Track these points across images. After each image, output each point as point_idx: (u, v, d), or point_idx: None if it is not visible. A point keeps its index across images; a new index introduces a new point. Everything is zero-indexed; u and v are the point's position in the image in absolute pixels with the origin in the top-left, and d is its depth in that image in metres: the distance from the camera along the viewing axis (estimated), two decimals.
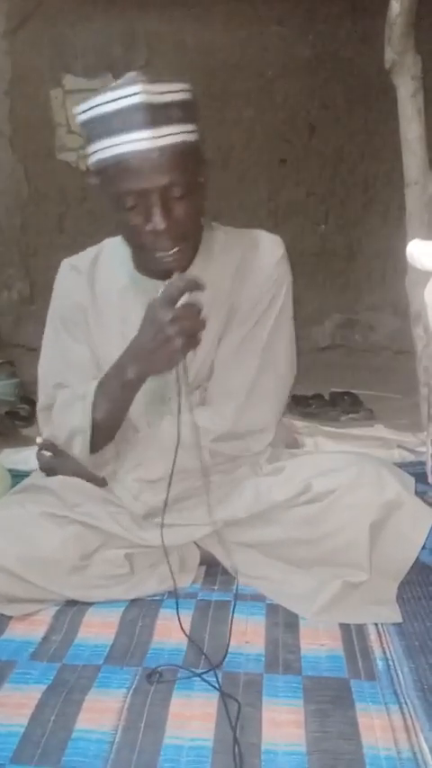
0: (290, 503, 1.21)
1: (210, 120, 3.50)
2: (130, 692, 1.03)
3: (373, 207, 3.54)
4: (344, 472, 1.20)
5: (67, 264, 1.36)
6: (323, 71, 3.43)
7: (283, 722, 0.97)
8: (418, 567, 1.25)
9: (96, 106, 1.07)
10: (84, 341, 1.32)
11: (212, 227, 1.31)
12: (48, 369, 1.36)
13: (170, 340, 1.05)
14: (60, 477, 1.31)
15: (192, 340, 1.06)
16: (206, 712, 0.98)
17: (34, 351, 1.42)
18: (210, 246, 1.28)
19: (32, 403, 1.63)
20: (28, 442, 2.07)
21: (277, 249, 1.29)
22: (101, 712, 0.98)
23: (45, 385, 1.36)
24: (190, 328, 1.05)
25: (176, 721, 0.97)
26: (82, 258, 1.35)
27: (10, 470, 1.70)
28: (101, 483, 1.28)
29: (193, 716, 0.98)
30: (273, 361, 1.29)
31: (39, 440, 1.38)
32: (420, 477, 1.42)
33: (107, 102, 1.06)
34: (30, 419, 2.29)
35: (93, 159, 1.12)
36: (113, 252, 1.26)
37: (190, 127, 1.10)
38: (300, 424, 2.24)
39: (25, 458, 1.81)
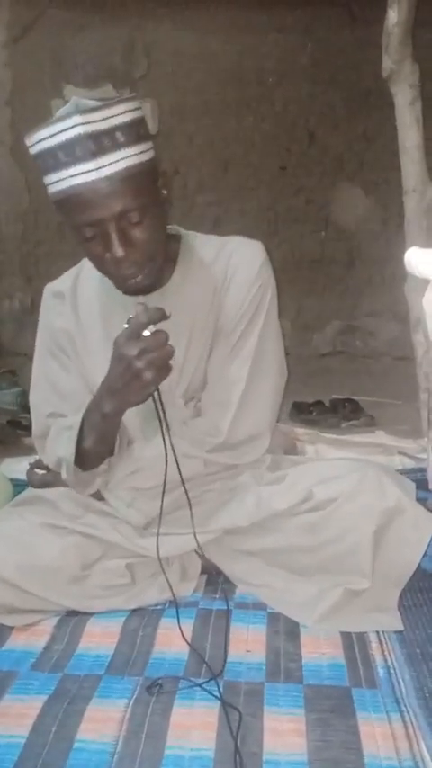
0: (292, 511, 1.21)
1: (209, 129, 3.53)
2: (132, 701, 1.03)
3: (372, 214, 3.55)
4: (345, 479, 1.20)
5: (49, 291, 1.35)
6: (322, 79, 3.45)
7: (284, 731, 0.96)
8: (420, 575, 1.24)
9: (41, 141, 1.06)
10: (72, 368, 1.32)
11: (189, 237, 1.30)
12: (39, 399, 1.36)
13: (139, 374, 1.03)
14: (59, 488, 1.32)
15: (162, 371, 1.05)
16: (207, 722, 0.98)
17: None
18: (188, 258, 1.27)
19: None
20: (29, 451, 2.07)
21: (259, 255, 1.27)
22: (102, 722, 0.98)
23: (38, 414, 1.36)
24: (158, 359, 1.03)
25: (178, 731, 0.96)
26: (63, 282, 1.34)
27: (11, 480, 1.70)
28: (97, 495, 1.28)
29: (194, 725, 0.98)
30: (263, 367, 1.28)
31: (31, 461, 1.40)
32: (421, 484, 1.42)
33: (50, 135, 1.04)
34: (31, 428, 2.28)
35: (50, 192, 1.10)
36: (93, 269, 1.25)
37: (138, 148, 1.07)
38: (300, 431, 2.24)
39: (27, 467, 1.81)
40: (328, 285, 3.68)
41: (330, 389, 2.76)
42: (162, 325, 1.05)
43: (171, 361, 1.05)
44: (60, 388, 1.33)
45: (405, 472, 1.63)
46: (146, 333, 1.04)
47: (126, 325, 1.05)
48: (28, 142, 1.08)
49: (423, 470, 1.86)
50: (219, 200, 3.57)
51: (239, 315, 1.26)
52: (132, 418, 1.24)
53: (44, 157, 1.07)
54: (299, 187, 3.60)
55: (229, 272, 1.26)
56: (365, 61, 3.01)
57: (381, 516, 1.16)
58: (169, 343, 1.04)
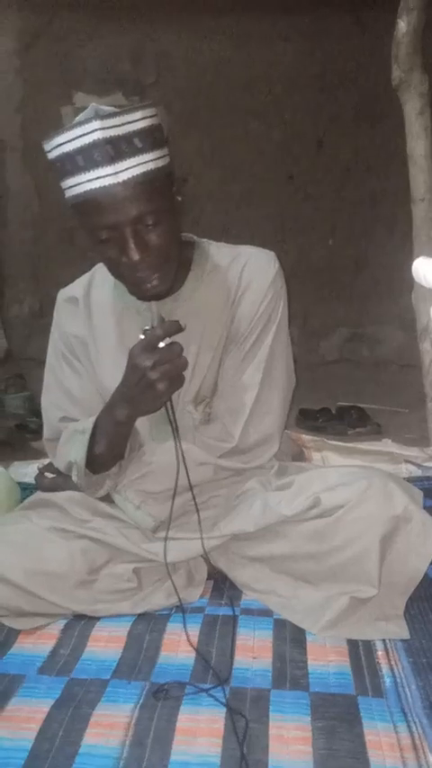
0: (298, 517, 1.21)
1: (217, 136, 3.55)
2: (138, 707, 1.03)
3: (379, 222, 3.56)
4: (352, 486, 1.20)
5: (62, 296, 1.37)
6: (331, 87, 3.46)
7: (290, 739, 0.96)
8: (426, 583, 1.24)
9: (59, 145, 1.07)
10: (84, 373, 1.33)
11: (203, 245, 1.32)
12: (51, 403, 1.38)
13: (153, 385, 1.06)
14: (68, 492, 1.33)
15: (175, 382, 1.08)
16: (213, 728, 0.98)
17: (44, 364, 1.44)
18: (201, 265, 1.29)
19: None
20: (38, 454, 2.08)
21: (272, 265, 1.29)
22: (108, 727, 0.99)
23: (49, 418, 1.38)
24: (172, 371, 1.06)
25: (184, 737, 0.97)
26: (76, 287, 1.36)
27: (19, 483, 1.70)
28: (106, 497, 1.29)
29: (200, 732, 0.98)
30: (274, 374, 1.30)
31: (39, 465, 1.41)
32: (428, 493, 1.42)
33: (69, 140, 1.05)
34: (39, 432, 2.29)
35: (66, 196, 1.12)
36: (106, 275, 1.26)
37: (155, 154, 1.08)
38: (307, 438, 2.24)
39: (34, 471, 1.82)
40: (335, 293, 3.68)
41: (337, 397, 2.77)
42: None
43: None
44: (72, 392, 1.34)
45: (411, 480, 1.62)
46: (161, 345, 1.06)
47: (142, 336, 1.07)
48: (46, 147, 1.10)
49: (430, 479, 1.87)
50: (227, 207, 3.58)
51: (253, 323, 1.27)
52: (143, 422, 1.25)
53: (62, 162, 1.08)
54: (306, 195, 3.61)
55: (243, 280, 1.27)
56: (374, 70, 3.03)
57: (388, 523, 1.16)
58: (183, 354, 1.06)
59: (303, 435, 2.29)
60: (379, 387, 3.09)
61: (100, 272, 1.32)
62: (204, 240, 1.33)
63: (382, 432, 2.46)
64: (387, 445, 2.22)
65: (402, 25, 1.98)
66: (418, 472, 1.94)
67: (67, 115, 3.42)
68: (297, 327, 3.47)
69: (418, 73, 2.02)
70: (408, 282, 2.01)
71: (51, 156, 1.10)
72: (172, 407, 1.12)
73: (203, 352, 1.27)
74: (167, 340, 1.06)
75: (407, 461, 2.02)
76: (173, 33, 3.44)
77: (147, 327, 1.07)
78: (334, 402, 2.68)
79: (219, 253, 1.31)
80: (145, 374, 1.06)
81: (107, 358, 1.29)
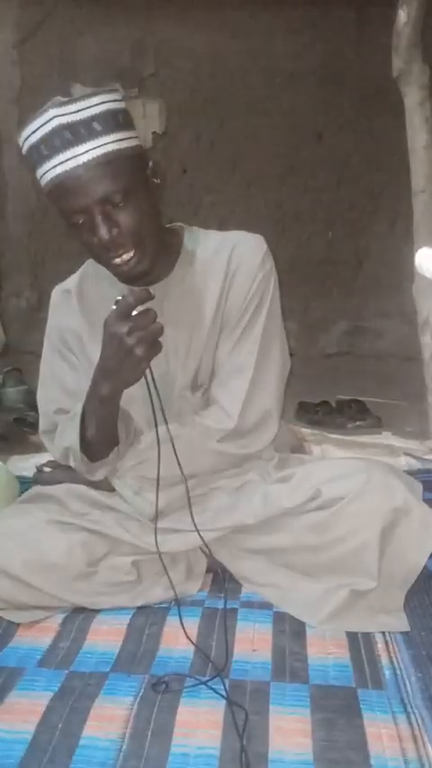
0: (299, 509, 1.21)
1: (216, 128, 3.53)
2: (137, 699, 1.03)
3: (379, 214, 3.55)
4: (353, 478, 1.20)
5: (57, 291, 1.38)
6: (330, 79, 3.44)
7: (290, 731, 0.96)
8: (426, 576, 1.24)
9: (26, 139, 1.12)
10: (79, 367, 1.34)
11: (192, 231, 1.33)
12: (47, 396, 1.39)
13: (131, 351, 1.07)
14: (66, 485, 1.33)
15: (153, 347, 1.09)
16: (213, 720, 0.98)
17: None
18: (190, 251, 1.30)
19: None
20: (35, 448, 2.08)
21: (260, 247, 1.30)
22: (108, 720, 0.99)
23: (45, 411, 1.39)
24: (148, 336, 1.07)
25: (183, 729, 0.97)
26: (69, 281, 1.38)
27: (18, 477, 1.70)
28: (108, 487, 1.29)
29: (199, 724, 0.98)
30: (269, 355, 1.30)
31: (37, 463, 1.42)
32: (428, 486, 1.42)
33: (32, 132, 1.10)
34: (38, 426, 2.29)
35: (41, 186, 1.15)
36: (97, 268, 1.28)
37: (116, 136, 1.11)
38: (307, 431, 2.24)
39: (33, 465, 1.81)
40: (335, 286, 3.67)
41: (336, 390, 2.76)
42: (166, 316, 1.08)
43: (173, 348, 1.08)
44: (67, 385, 1.35)
45: (411, 473, 1.61)
46: (134, 313, 1.07)
47: (114, 307, 1.08)
48: (19, 143, 1.14)
49: (429, 471, 1.87)
50: (226, 200, 3.57)
51: (245, 305, 1.28)
52: (139, 408, 1.25)
53: (31, 154, 1.13)
54: (306, 187, 3.60)
55: (232, 264, 1.28)
56: (374, 62, 3.00)
57: (388, 516, 1.16)
58: (171, 330, 1.08)
59: (303, 429, 2.29)
60: (379, 380, 3.08)
61: (92, 266, 1.33)
62: (193, 227, 1.34)
63: (381, 425, 2.46)
64: (387, 438, 2.22)
65: (402, 16, 1.97)
66: (417, 465, 1.95)
67: None
68: (296, 321, 3.46)
69: (418, 64, 2.01)
70: (408, 275, 2.02)
71: (23, 150, 1.14)
72: (155, 384, 1.13)
73: (196, 337, 1.28)
74: (140, 308, 1.07)
75: (406, 454, 2.03)
76: (171, 25, 3.42)
77: (119, 297, 1.09)
78: (334, 395, 2.68)
79: (207, 239, 1.32)
80: (122, 341, 1.07)
81: (100, 349, 1.29)
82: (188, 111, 3.48)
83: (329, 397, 2.65)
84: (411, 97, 2.03)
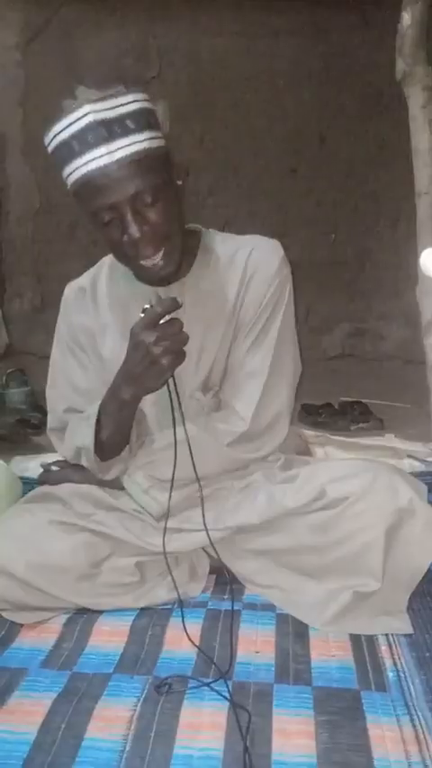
0: (303, 509, 1.21)
1: (220, 130, 3.53)
2: (141, 700, 1.03)
3: (383, 216, 3.55)
4: (357, 478, 1.20)
5: (70, 288, 1.38)
6: (334, 81, 3.44)
7: (293, 733, 0.96)
8: (430, 577, 1.24)
9: (56, 135, 1.11)
10: (89, 366, 1.35)
11: (209, 233, 1.34)
12: (56, 394, 1.39)
13: (156, 360, 1.09)
14: (70, 485, 1.33)
15: (177, 357, 1.10)
16: (216, 722, 0.98)
17: (45, 359, 1.44)
18: (207, 253, 1.30)
19: (44, 411, 1.65)
20: (39, 449, 2.08)
21: (277, 253, 1.31)
22: (111, 721, 0.98)
23: (54, 409, 1.40)
24: (173, 345, 1.08)
25: (186, 731, 0.96)
26: (83, 279, 1.38)
27: (21, 478, 1.70)
28: (117, 485, 1.29)
29: (202, 726, 0.98)
30: (282, 360, 1.31)
31: (42, 463, 1.42)
32: (431, 488, 1.42)
33: (64, 128, 1.10)
34: (41, 427, 2.29)
35: (68, 185, 1.15)
36: (114, 266, 1.28)
37: (147, 134, 1.12)
38: (310, 433, 2.24)
39: (36, 466, 1.81)
40: (337, 287, 3.67)
41: (339, 392, 2.76)
42: (181, 316, 1.09)
43: (186, 349, 1.09)
44: (78, 384, 1.35)
45: (414, 475, 1.62)
46: (161, 322, 1.08)
47: (142, 315, 1.09)
48: (46, 140, 1.13)
49: None
50: (229, 202, 3.57)
51: (260, 309, 1.28)
52: (150, 409, 1.26)
53: (60, 150, 1.12)
54: (309, 189, 3.60)
55: (249, 268, 1.28)
56: (377, 64, 3.02)
57: (392, 516, 1.16)
58: (183, 330, 1.08)
59: (306, 431, 2.29)
60: (381, 382, 3.08)
61: (107, 265, 1.34)
62: (210, 230, 1.35)
63: (384, 427, 2.46)
64: (390, 440, 2.22)
65: (407, 18, 1.97)
66: (420, 467, 1.94)
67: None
68: (299, 322, 3.44)
69: (422, 66, 2.00)
70: (412, 277, 2.01)
71: (51, 146, 1.13)
72: (176, 389, 1.13)
73: (210, 338, 1.28)
74: (167, 317, 1.08)
75: (409, 456, 2.02)
76: (175, 28, 3.42)
77: (146, 306, 1.09)
78: (336, 397, 2.67)
79: (224, 242, 1.32)
80: (148, 350, 1.08)
81: (113, 348, 1.29)
82: (191, 113, 3.48)
83: (332, 399, 2.65)
84: (415, 99, 2.03)
